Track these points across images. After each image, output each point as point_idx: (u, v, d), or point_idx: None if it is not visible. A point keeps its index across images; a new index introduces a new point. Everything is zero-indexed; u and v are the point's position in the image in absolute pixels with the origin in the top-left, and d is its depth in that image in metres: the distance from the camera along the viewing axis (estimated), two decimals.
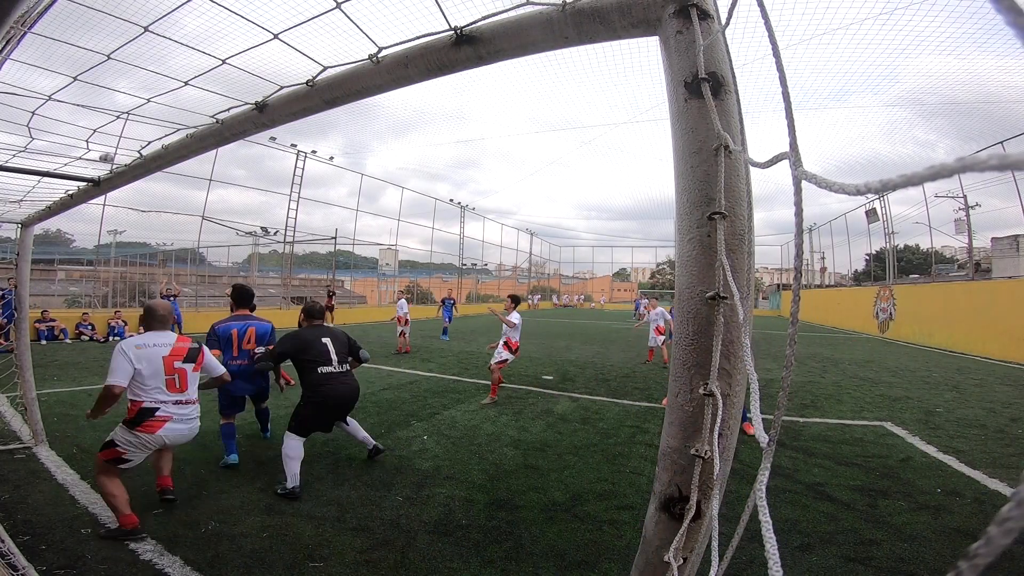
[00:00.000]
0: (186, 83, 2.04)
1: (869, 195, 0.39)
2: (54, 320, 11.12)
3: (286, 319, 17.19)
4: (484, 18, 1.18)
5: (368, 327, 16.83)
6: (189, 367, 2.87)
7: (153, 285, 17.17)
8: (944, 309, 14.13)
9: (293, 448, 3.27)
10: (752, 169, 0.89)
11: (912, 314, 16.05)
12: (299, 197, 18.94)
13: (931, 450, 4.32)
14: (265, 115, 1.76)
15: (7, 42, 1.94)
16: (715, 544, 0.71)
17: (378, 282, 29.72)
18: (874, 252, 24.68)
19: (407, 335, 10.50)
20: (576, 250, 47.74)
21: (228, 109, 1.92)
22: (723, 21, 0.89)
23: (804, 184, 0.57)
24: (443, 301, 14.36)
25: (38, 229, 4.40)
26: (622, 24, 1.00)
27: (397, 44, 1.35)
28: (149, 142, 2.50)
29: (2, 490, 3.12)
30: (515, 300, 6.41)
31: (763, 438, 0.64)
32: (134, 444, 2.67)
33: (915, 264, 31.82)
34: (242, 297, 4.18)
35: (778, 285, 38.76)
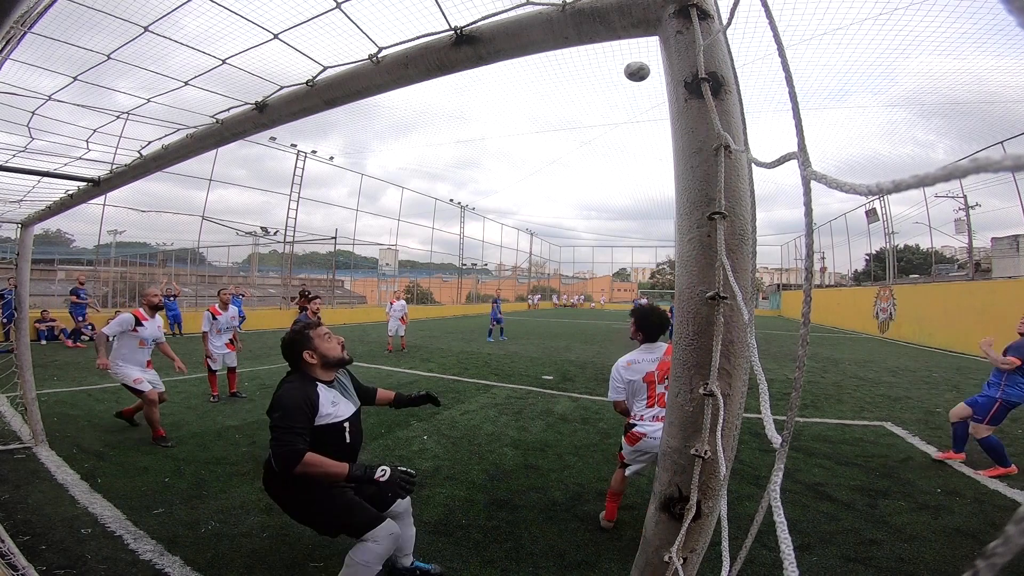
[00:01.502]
0: (186, 83, 2.04)
1: (880, 195, 0.39)
2: (54, 320, 11.10)
3: (286, 319, 17.18)
4: (484, 18, 1.18)
5: (368, 327, 16.83)
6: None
7: (153, 285, 17.17)
8: (944, 309, 14.13)
9: None
10: (753, 168, 0.89)
11: (912, 314, 16.05)
12: (299, 197, 18.95)
13: (931, 450, 4.31)
14: (265, 115, 1.76)
15: (7, 42, 1.94)
16: (725, 544, 0.71)
17: (378, 282, 29.72)
18: (874, 252, 24.68)
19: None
20: (576, 250, 47.81)
21: (228, 109, 1.92)
22: (724, 21, 0.89)
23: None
24: (494, 302, 14.18)
25: (38, 229, 4.40)
26: (622, 24, 1.00)
27: (397, 44, 1.35)
28: (149, 142, 2.50)
29: (2, 490, 3.11)
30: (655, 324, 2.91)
31: (776, 439, 0.64)
32: None
33: (915, 264, 31.83)
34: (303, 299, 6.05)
35: (778, 285, 38.75)
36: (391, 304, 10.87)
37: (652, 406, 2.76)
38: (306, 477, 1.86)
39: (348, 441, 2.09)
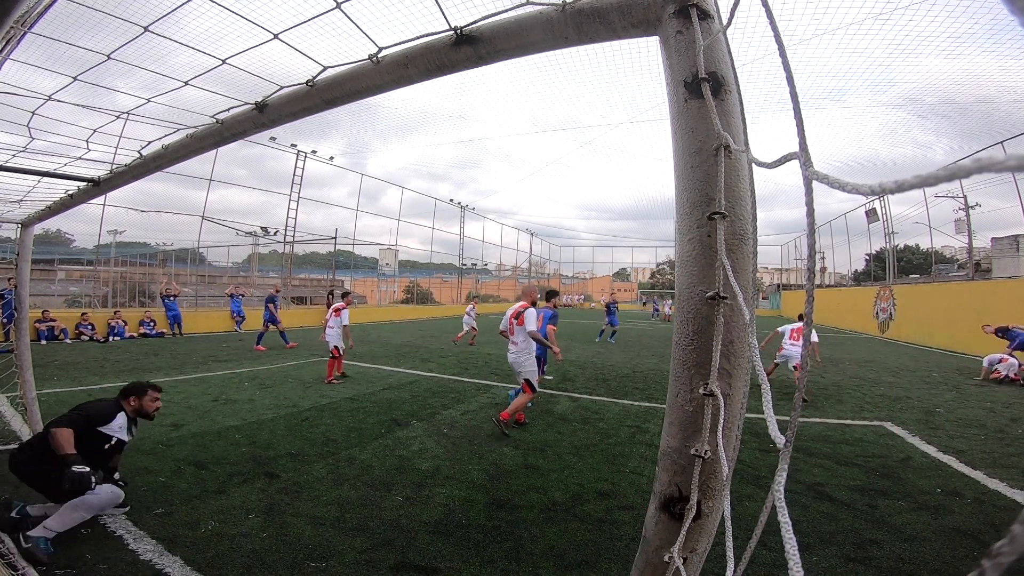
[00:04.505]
0: (186, 83, 2.04)
1: (883, 196, 0.39)
2: (54, 320, 11.11)
3: (285, 319, 17.16)
4: (484, 18, 1.18)
5: (368, 327, 16.83)
6: (515, 322, 5.00)
7: (153, 285, 17.15)
8: (944, 309, 14.13)
9: None
10: (754, 168, 0.89)
11: (912, 314, 16.05)
12: (299, 197, 18.96)
13: (931, 450, 4.31)
14: (265, 115, 1.76)
15: (7, 42, 1.94)
16: (729, 544, 0.71)
17: (378, 282, 29.72)
18: (874, 252, 24.69)
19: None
20: (576, 250, 47.89)
21: (228, 109, 1.92)
22: (724, 21, 0.89)
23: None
24: (607, 306, 14.52)
25: (38, 229, 4.40)
26: (622, 24, 1.00)
27: (397, 44, 1.35)
28: (149, 142, 2.50)
29: (2, 490, 3.11)
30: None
31: (779, 439, 0.63)
32: None
33: (915, 264, 31.84)
34: (548, 296, 6.46)
35: (778, 285, 38.75)
36: (472, 306, 13.11)
37: (792, 340, 6.96)
38: (52, 442, 2.57)
39: (104, 449, 2.84)
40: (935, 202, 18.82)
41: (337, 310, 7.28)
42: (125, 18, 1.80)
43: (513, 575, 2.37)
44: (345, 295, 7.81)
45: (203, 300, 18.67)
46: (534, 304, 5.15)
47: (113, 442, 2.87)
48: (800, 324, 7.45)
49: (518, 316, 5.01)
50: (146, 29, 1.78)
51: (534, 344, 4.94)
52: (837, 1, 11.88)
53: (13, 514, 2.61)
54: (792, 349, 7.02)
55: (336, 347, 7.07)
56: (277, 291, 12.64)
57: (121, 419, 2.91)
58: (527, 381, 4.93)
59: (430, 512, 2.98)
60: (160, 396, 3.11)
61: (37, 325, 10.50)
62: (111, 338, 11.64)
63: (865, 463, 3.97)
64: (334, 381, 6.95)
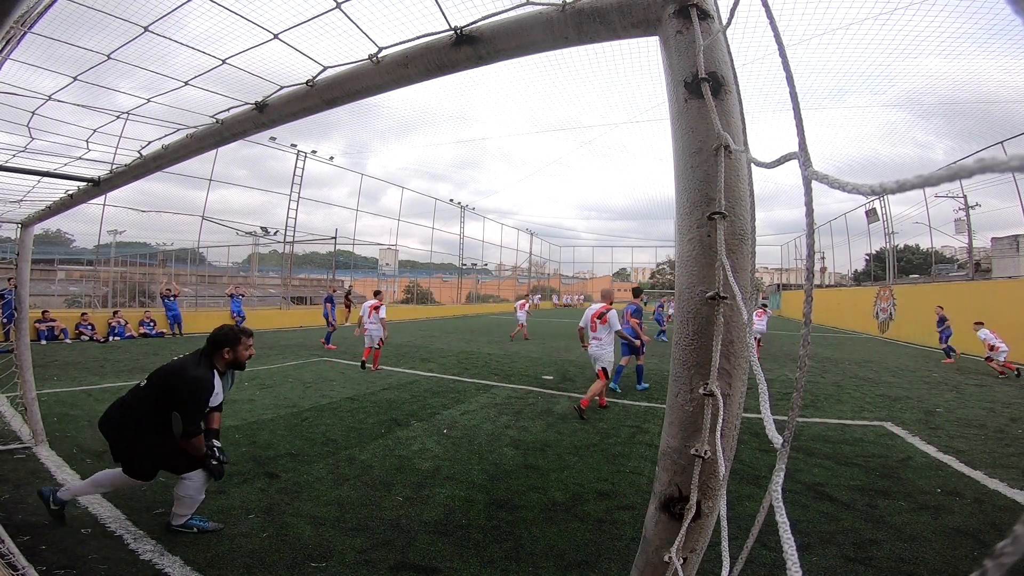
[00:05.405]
0: (186, 83, 2.04)
1: (883, 195, 0.39)
2: (54, 320, 11.11)
3: (285, 319, 17.19)
4: (484, 18, 1.18)
5: None
6: (598, 321, 5.68)
7: (153, 285, 17.15)
8: (944, 309, 14.13)
9: None
10: (753, 169, 0.89)
11: (912, 314, 16.04)
12: (299, 197, 18.95)
13: (931, 450, 4.31)
14: (265, 115, 1.76)
15: (7, 42, 1.94)
16: (725, 544, 0.71)
17: (378, 282, 29.72)
18: (874, 252, 24.70)
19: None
20: (576, 250, 47.97)
21: (228, 109, 1.92)
22: (724, 21, 0.89)
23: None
24: (659, 306, 15.85)
25: (38, 229, 4.40)
26: (622, 24, 1.00)
27: (397, 44, 1.35)
28: (149, 142, 2.50)
29: (2, 490, 3.11)
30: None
31: (776, 439, 0.63)
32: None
33: (915, 264, 31.84)
34: (635, 293, 7.30)
35: (778, 285, 38.75)
36: (523, 303, 14.48)
37: (758, 317, 9.85)
38: (189, 449, 2.59)
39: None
40: (935, 202, 18.84)
41: (375, 307, 8.29)
42: (125, 18, 1.80)
43: (513, 575, 2.37)
44: (377, 293, 8.97)
45: (203, 300, 18.68)
46: (612, 304, 5.86)
47: (207, 409, 2.70)
48: (759, 309, 11.02)
49: (601, 316, 5.69)
50: (146, 29, 1.78)
51: (613, 337, 5.79)
52: (837, 1, 11.89)
53: (52, 505, 2.70)
54: (759, 324, 10.38)
55: (380, 339, 8.17)
56: (334, 291, 13.21)
57: (217, 384, 2.68)
58: (603, 369, 5.55)
59: (430, 512, 2.98)
60: (252, 342, 2.85)
61: (37, 325, 10.51)
62: (111, 338, 11.64)
63: (865, 463, 3.97)
64: (380, 368, 8.14)
